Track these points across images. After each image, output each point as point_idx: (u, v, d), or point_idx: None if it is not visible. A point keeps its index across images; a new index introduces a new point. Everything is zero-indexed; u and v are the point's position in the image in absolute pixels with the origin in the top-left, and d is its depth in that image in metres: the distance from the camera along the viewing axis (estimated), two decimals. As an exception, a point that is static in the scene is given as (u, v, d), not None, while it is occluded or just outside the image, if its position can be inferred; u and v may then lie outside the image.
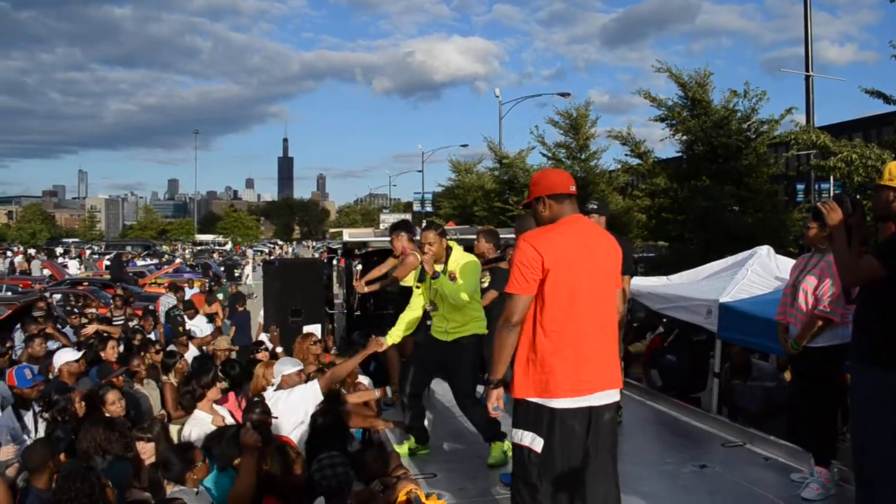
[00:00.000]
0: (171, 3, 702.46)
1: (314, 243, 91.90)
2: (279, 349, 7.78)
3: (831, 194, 23.17)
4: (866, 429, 3.54)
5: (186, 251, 60.32)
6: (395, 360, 7.28)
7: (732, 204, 17.46)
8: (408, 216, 44.12)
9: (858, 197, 4.50)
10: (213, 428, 5.06)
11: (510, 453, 5.24)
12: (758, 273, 7.17)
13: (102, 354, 6.92)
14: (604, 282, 3.39)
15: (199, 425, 5.29)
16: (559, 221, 3.41)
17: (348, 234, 10.02)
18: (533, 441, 3.26)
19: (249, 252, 58.43)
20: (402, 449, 5.66)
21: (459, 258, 5.48)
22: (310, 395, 5.39)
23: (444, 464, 5.51)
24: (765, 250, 7.90)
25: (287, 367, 5.70)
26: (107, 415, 5.00)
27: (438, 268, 5.45)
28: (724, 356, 6.98)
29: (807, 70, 16.84)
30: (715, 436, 6.07)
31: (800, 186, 29.72)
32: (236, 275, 22.35)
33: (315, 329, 7.18)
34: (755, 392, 7.00)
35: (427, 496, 4.54)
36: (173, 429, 5.78)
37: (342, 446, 4.51)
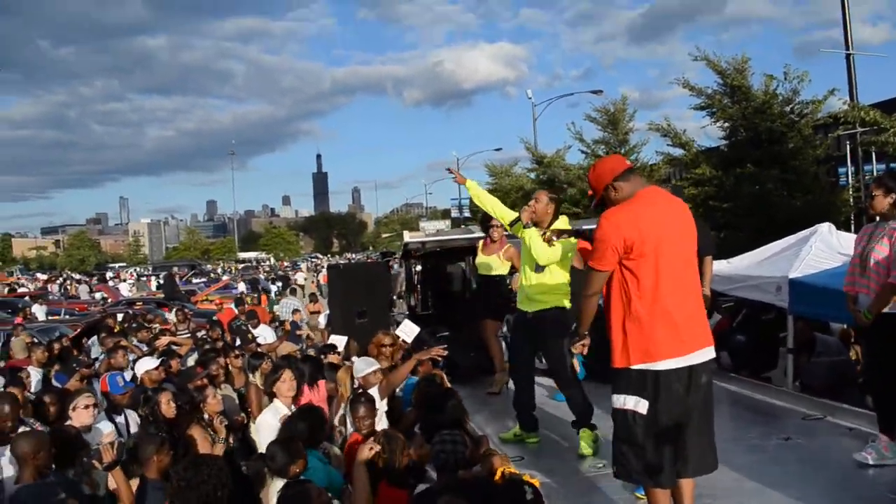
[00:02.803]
0: (202, 30, 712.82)
1: (353, 255, 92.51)
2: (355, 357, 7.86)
3: (874, 174, 22.83)
4: None
5: (232, 269, 61.27)
6: (496, 346, 7.53)
7: (780, 188, 17.34)
8: (447, 223, 44.32)
9: None
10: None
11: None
12: (822, 249, 7.16)
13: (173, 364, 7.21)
14: (686, 245, 3.54)
15: (276, 413, 5.37)
16: (636, 195, 3.52)
17: (409, 236, 10.22)
18: (637, 404, 3.41)
19: (304, 265, 59.49)
20: (507, 435, 5.81)
21: (563, 224, 5.58)
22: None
23: (528, 448, 5.64)
24: (826, 227, 7.89)
25: (363, 366, 5.81)
26: (206, 415, 5.24)
27: (534, 231, 5.49)
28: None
29: (847, 48, 16.65)
30: (794, 410, 6.11)
31: (841, 170, 29.30)
32: (293, 286, 22.98)
33: (413, 331, 7.23)
34: (821, 367, 7.00)
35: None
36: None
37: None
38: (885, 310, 4.67)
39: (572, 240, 5.49)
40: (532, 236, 5.45)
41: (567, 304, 5.54)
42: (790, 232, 8.33)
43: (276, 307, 16.05)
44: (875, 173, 22.97)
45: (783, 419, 5.94)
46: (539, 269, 5.54)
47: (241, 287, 28.47)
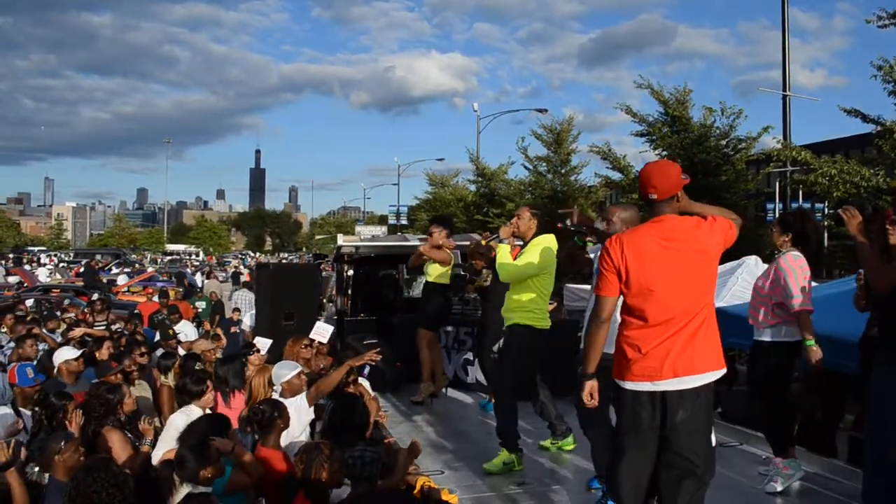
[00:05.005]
0: (150, 12, 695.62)
1: (287, 255, 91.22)
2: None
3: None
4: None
5: (158, 260, 59.54)
6: (427, 356, 7.46)
7: (711, 218, 17.83)
8: (383, 229, 44.13)
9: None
10: None
11: (516, 466, 5.34)
12: (747, 280, 7.36)
13: (98, 355, 6.87)
14: (686, 275, 3.40)
15: (189, 416, 5.13)
16: (649, 221, 3.53)
17: (342, 239, 10.06)
18: (611, 414, 3.58)
19: (234, 261, 57.66)
20: (546, 443, 5.72)
21: (539, 242, 5.44)
22: (303, 412, 5.14)
23: (450, 461, 5.61)
24: (752, 260, 8.12)
25: (286, 371, 5.49)
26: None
27: (505, 247, 5.49)
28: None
29: (784, 90, 17.24)
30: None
31: (769, 206, 30.36)
32: (242, 280, 22.51)
33: (327, 331, 7.11)
34: (739, 397, 7.19)
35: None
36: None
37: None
38: (764, 338, 4.95)
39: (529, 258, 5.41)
40: (500, 251, 5.46)
41: (535, 323, 5.42)
42: (720, 262, 8.52)
43: (233, 297, 15.86)
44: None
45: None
46: (508, 285, 5.56)
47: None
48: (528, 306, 5.42)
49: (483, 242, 6.77)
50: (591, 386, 3.57)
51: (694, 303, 3.42)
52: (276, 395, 5.43)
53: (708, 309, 3.49)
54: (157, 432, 5.60)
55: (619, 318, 3.55)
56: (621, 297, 3.48)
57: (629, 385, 3.42)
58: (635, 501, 3.47)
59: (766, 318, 4.94)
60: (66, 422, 4.72)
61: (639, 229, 3.54)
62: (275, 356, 7.30)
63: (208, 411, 5.16)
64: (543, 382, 5.81)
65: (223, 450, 4.11)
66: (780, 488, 4.80)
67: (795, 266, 4.85)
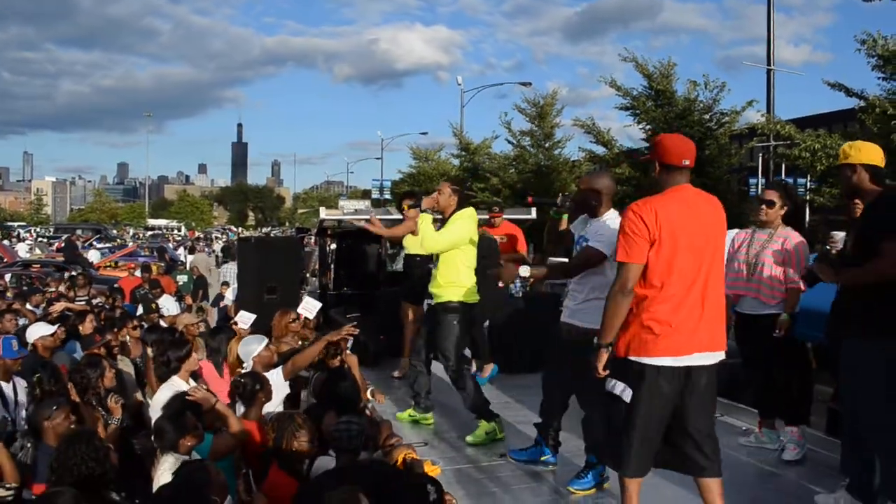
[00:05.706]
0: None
1: (271, 230, 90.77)
2: None
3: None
4: (872, 399, 3.60)
5: (140, 235, 59.07)
6: (412, 331, 7.40)
7: (694, 193, 17.94)
8: (367, 203, 43.97)
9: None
10: None
11: (498, 434, 5.37)
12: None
13: (81, 328, 6.82)
14: (711, 244, 3.42)
15: (172, 390, 5.09)
16: (668, 190, 3.45)
17: (325, 213, 10.00)
18: (623, 391, 3.42)
19: (214, 235, 57.20)
20: (403, 415, 5.84)
21: (461, 216, 5.41)
22: (278, 387, 5.09)
23: (433, 433, 5.63)
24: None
25: (254, 346, 5.46)
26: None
27: (427, 217, 5.41)
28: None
29: (768, 64, 17.27)
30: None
31: (752, 181, 30.48)
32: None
33: (315, 307, 7.09)
34: (720, 368, 7.26)
35: (421, 463, 4.60)
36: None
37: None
38: (756, 311, 5.00)
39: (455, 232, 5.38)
40: (423, 220, 5.35)
41: (466, 298, 5.42)
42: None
43: (221, 270, 15.83)
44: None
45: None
46: (436, 261, 5.52)
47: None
48: (457, 282, 5.40)
49: (405, 208, 6.70)
50: (604, 356, 3.50)
51: (716, 274, 3.44)
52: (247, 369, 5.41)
53: (723, 282, 3.55)
54: (140, 407, 5.61)
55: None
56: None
57: (653, 360, 3.36)
58: (645, 471, 3.54)
59: (781, 293, 4.95)
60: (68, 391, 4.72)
61: (664, 196, 3.43)
62: (259, 330, 7.27)
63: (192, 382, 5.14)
64: (431, 356, 5.79)
65: (205, 403, 4.13)
66: (794, 457, 4.89)
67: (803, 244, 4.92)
